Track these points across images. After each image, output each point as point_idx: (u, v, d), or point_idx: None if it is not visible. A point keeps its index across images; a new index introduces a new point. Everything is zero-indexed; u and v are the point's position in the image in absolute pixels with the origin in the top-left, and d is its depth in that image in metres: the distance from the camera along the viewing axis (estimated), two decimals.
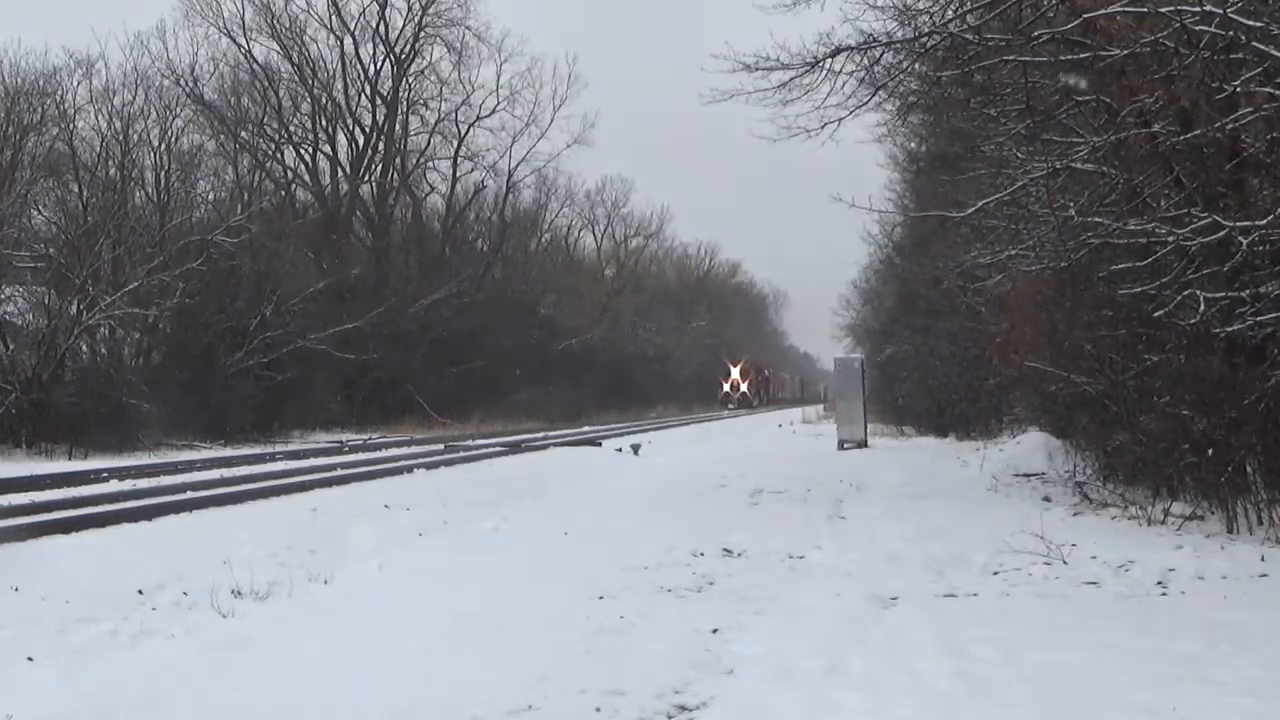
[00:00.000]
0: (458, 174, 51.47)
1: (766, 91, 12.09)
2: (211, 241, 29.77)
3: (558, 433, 34.91)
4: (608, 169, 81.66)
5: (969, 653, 5.86)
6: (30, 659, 6.08)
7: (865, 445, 25.82)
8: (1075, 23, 9.75)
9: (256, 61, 44.46)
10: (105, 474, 17.51)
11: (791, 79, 11.92)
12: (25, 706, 5.24)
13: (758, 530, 10.90)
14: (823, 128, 12.38)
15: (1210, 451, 9.92)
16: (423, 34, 47.82)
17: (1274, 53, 8.55)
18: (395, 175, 49.26)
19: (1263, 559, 8.27)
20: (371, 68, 48.28)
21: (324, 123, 46.93)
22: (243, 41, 44.13)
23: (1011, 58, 10.19)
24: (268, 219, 37.68)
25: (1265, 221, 8.86)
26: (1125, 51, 9.54)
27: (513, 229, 56.61)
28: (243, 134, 42.10)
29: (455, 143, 50.41)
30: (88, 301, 25.51)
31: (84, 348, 27.27)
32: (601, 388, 56.75)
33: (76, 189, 30.88)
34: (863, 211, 23.45)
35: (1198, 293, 9.28)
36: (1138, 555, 8.47)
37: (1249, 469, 9.84)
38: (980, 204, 12.38)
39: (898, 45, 11.62)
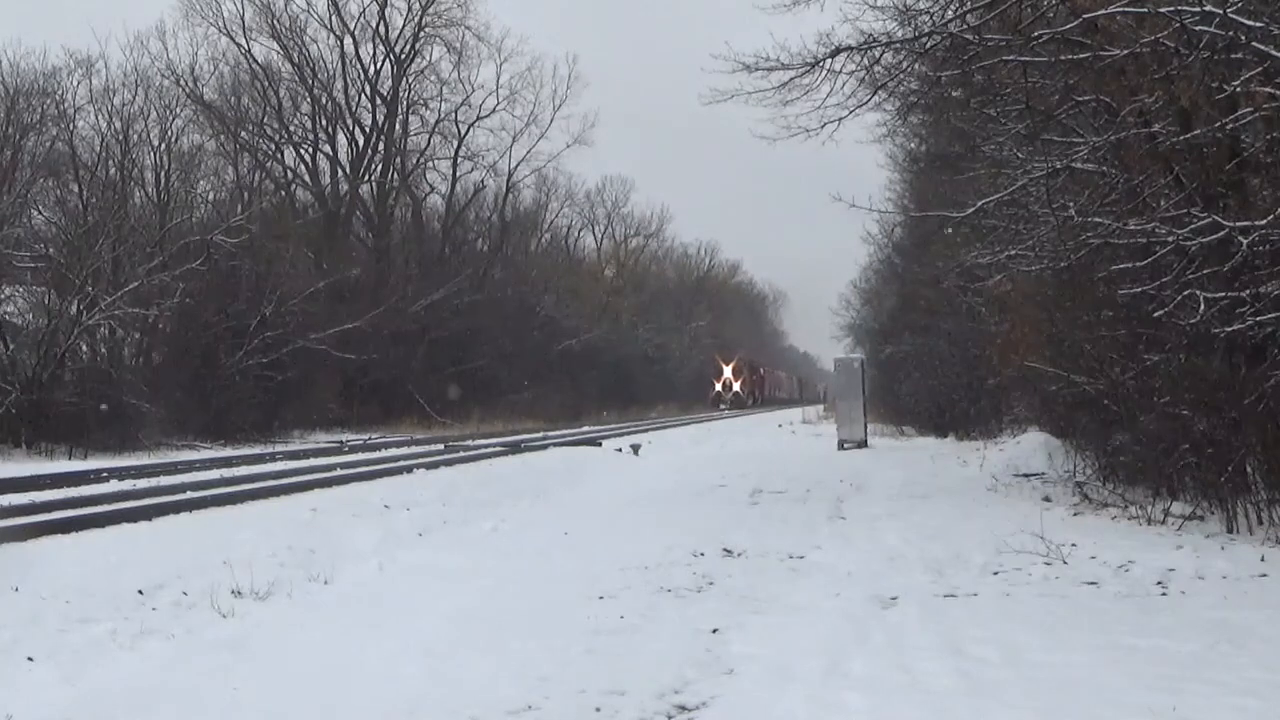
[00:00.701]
0: (458, 174, 51.59)
1: (766, 91, 12.12)
2: (211, 241, 29.78)
3: (558, 433, 34.91)
4: (608, 169, 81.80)
5: (969, 653, 5.86)
6: (30, 659, 6.08)
7: (865, 445, 25.82)
8: (1075, 23, 9.75)
9: (256, 61, 44.55)
10: (105, 474, 17.51)
11: (791, 79, 11.94)
12: (25, 706, 5.24)
13: (758, 530, 10.91)
14: (823, 128, 12.41)
15: (1210, 451, 9.92)
16: (423, 34, 47.91)
17: (1274, 53, 8.55)
18: (395, 175, 49.30)
19: (1263, 559, 8.27)
20: (371, 68, 48.38)
21: (324, 123, 47.02)
22: (243, 41, 44.23)
23: (1011, 58, 10.20)
24: (268, 219, 37.72)
25: (1265, 221, 8.86)
26: (1125, 51, 9.54)
27: (513, 229, 56.66)
28: (243, 134, 42.15)
29: (455, 143, 50.52)
30: (88, 301, 25.51)
31: (84, 348, 27.28)
32: (601, 388, 56.77)
33: (76, 189, 30.89)
34: (863, 211, 23.41)
35: (1198, 293, 9.28)
36: (1138, 555, 8.47)
37: (1249, 469, 9.84)
38: (980, 204, 12.38)
39: (898, 45, 11.63)
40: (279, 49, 45.35)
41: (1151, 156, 10.39)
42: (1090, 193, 11.54)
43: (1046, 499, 12.70)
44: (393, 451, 25.96)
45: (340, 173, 47.70)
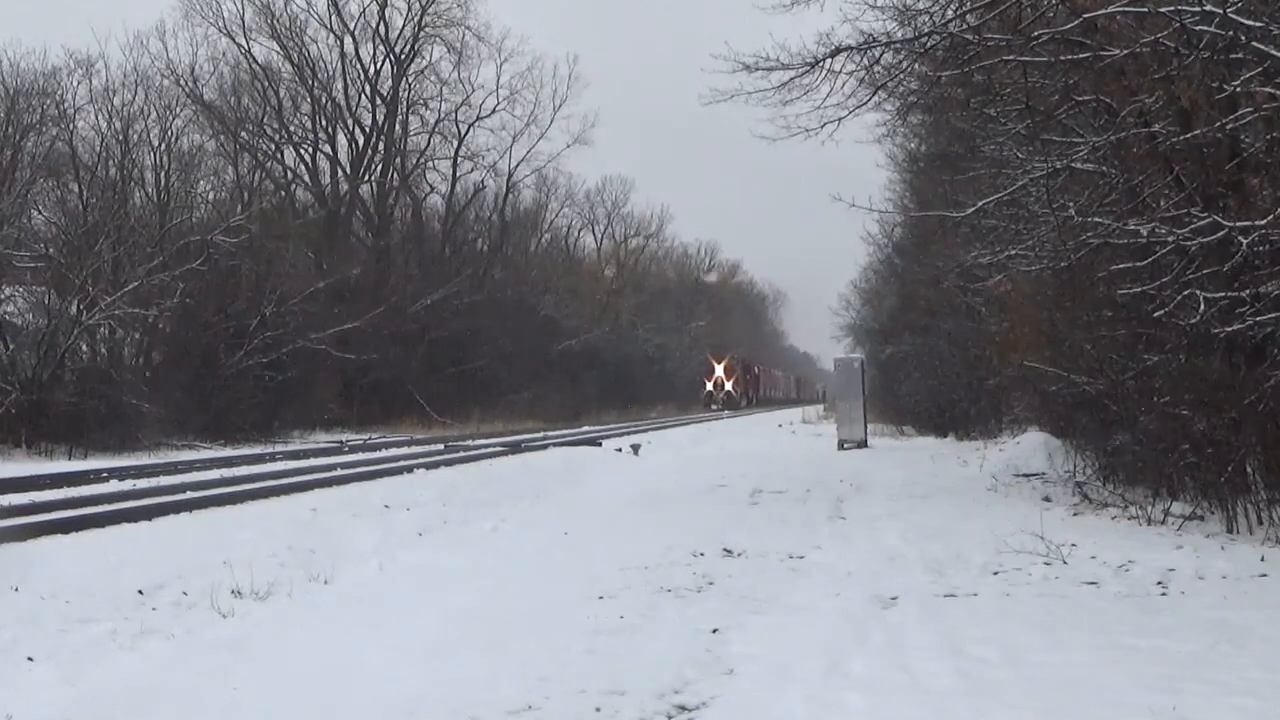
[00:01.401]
0: (458, 174, 51.64)
1: (766, 92, 12.11)
2: (211, 241, 29.78)
3: (558, 433, 34.90)
4: (608, 169, 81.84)
5: (969, 653, 5.86)
6: (30, 659, 6.08)
7: (865, 445, 25.82)
8: (1075, 23, 9.75)
9: (256, 61, 44.58)
10: (105, 474, 17.52)
11: (791, 79, 11.93)
12: (25, 706, 5.24)
13: (758, 530, 10.91)
14: (823, 128, 12.40)
15: (1210, 451, 9.91)
16: (423, 34, 47.94)
17: (1274, 53, 8.55)
18: (395, 175, 49.33)
19: (1263, 559, 8.27)
20: (371, 68, 48.42)
21: (324, 123, 47.05)
22: (243, 41, 44.27)
23: (1011, 58, 10.19)
24: (268, 219, 37.71)
25: (1265, 221, 8.86)
26: (1125, 51, 9.54)
27: (513, 229, 56.69)
28: (243, 134, 42.16)
29: (455, 143, 50.57)
30: (88, 301, 25.52)
31: (84, 348, 27.30)
32: (601, 388, 56.77)
33: (76, 189, 30.90)
34: (863, 211, 23.36)
35: (1198, 293, 9.28)
36: (1138, 555, 8.47)
37: (1249, 469, 9.84)
38: (980, 204, 12.38)
39: (898, 45, 11.62)
40: (279, 49, 45.44)
41: (1151, 156, 10.39)
42: (1090, 193, 11.54)
43: (1046, 499, 12.70)
44: (393, 451, 25.96)
45: (340, 173, 47.76)
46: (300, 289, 34.07)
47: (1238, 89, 9.05)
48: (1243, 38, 8.50)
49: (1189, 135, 9.68)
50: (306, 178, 47.01)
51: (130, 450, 24.62)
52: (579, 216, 69.81)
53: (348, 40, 47.39)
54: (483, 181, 53.04)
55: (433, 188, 52.34)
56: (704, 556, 9.38)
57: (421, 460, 21.36)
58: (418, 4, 47.35)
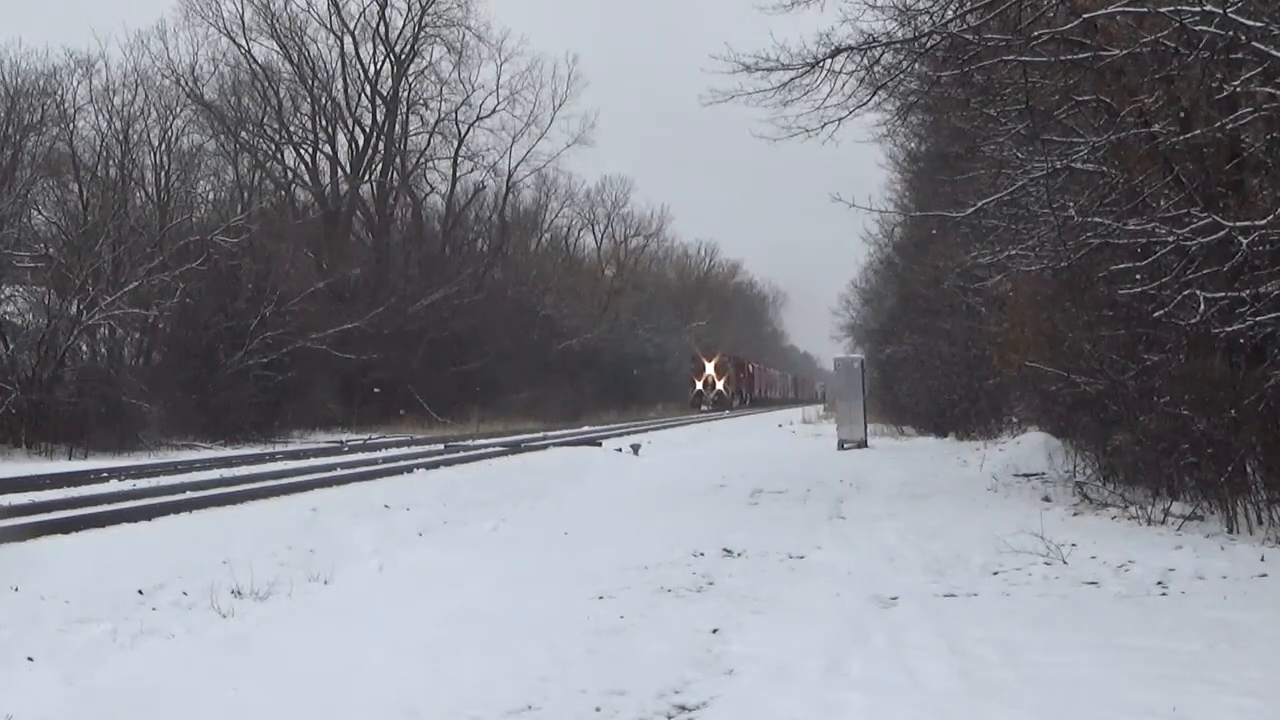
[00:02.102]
0: (458, 174, 51.61)
1: (766, 92, 12.11)
2: (211, 241, 29.78)
3: (557, 433, 34.90)
4: (608, 169, 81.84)
5: (969, 653, 5.86)
6: (30, 659, 6.07)
7: (865, 445, 25.82)
8: (1075, 23, 9.75)
9: (256, 61, 44.57)
10: (105, 474, 17.51)
11: (791, 79, 11.93)
12: (25, 706, 5.24)
13: (758, 530, 10.91)
14: (823, 128, 12.40)
15: (1210, 451, 9.91)
16: (423, 34, 47.93)
17: (1274, 53, 8.55)
18: (395, 175, 49.32)
19: (1263, 559, 8.27)
20: (371, 68, 48.40)
21: (324, 123, 47.04)
22: (243, 41, 44.26)
23: (1011, 58, 10.19)
24: (268, 219, 37.73)
25: (1265, 221, 8.86)
26: (1125, 51, 9.54)
27: (513, 229, 56.67)
28: (243, 134, 42.17)
29: (455, 143, 50.55)
30: (88, 301, 25.52)
31: (84, 348, 27.29)
32: (601, 388, 56.75)
33: (76, 189, 30.94)
34: (863, 211, 23.46)
35: (1198, 293, 9.28)
36: (1138, 555, 8.47)
37: (1249, 469, 9.84)
38: (980, 204, 12.37)
39: (897, 45, 11.62)
40: (279, 49, 45.42)
41: (1151, 156, 10.39)
42: (1090, 193, 11.54)
43: (1046, 499, 12.70)
44: (393, 451, 25.95)
45: (340, 173, 47.76)
46: (300, 289, 34.07)
47: (1238, 89, 9.06)
48: (1243, 38, 8.50)
49: (1189, 135, 9.68)
50: (306, 178, 47.06)
51: (130, 450, 24.62)
52: (579, 216, 69.86)
53: (348, 40, 47.43)
54: (483, 181, 53.10)
55: (433, 188, 52.42)
56: (704, 556, 9.38)
57: (421, 460, 21.35)
58: (418, 4, 47.39)
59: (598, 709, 5.12)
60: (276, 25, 45.13)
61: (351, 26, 47.34)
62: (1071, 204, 11.25)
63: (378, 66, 48.24)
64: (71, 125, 32.57)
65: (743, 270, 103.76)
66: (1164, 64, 9.64)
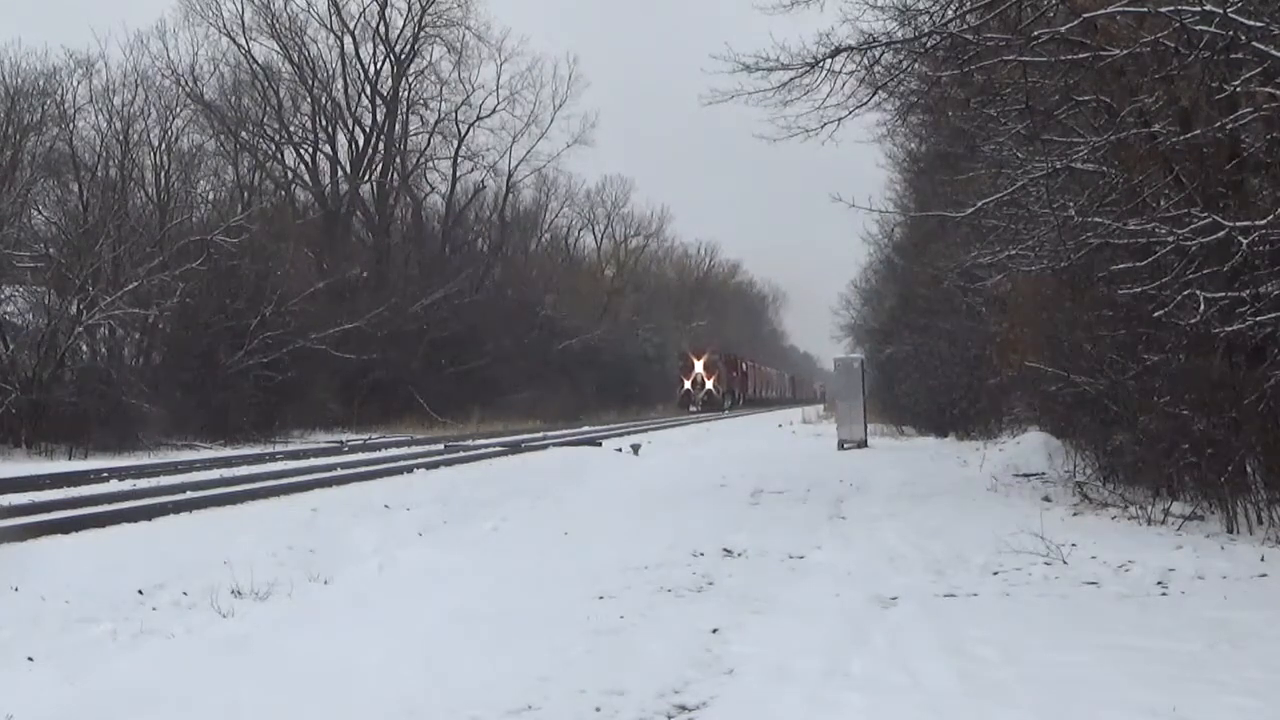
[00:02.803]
0: (458, 174, 51.68)
1: (766, 92, 12.10)
2: (211, 241, 29.78)
3: (558, 433, 34.90)
4: (608, 169, 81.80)
5: (969, 653, 5.86)
6: (30, 659, 6.08)
7: (865, 445, 25.82)
8: (1075, 23, 9.74)
9: (256, 61, 44.61)
10: (105, 474, 17.51)
11: (791, 79, 11.92)
12: (25, 706, 5.24)
13: (758, 530, 10.91)
14: (823, 128, 12.40)
15: (1210, 451, 9.91)
16: (423, 34, 48.00)
17: (1274, 53, 8.55)
18: (395, 175, 49.35)
19: (1263, 559, 8.27)
20: (371, 68, 48.45)
21: (324, 123, 47.08)
22: (243, 41, 44.31)
23: (1011, 58, 10.19)
24: (268, 219, 37.71)
25: (1265, 221, 8.85)
26: (1125, 51, 9.53)
27: (513, 229, 56.71)
28: (243, 134, 42.19)
29: (455, 143, 50.62)
30: (88, 301, 25.52)
31: (84, 348, 27.29)
32: (601, 388, 56.77)
33: (76, 189, 30.93)
34: (863, 211, 23.41)
35: (1198, 293, 9.27)
36: (1138, 555, 8.47)
37: (1249, 469, 9.83)
38: (980, 204, 12.37)
39: (898, 45, 11.62)
40: (279, 49, 45.47)
41: (1151, 156, 10.38)
42: (1090, 193, 11.53)
43: (1046, 499, 12.69)
44: (393, 451, 25.95)
45: (340, 173, 47.79)
46: (300, 289, 34.08)
47: (1238, 89, 9.05)
48: (1243, 38, 8.50)
49: (1189, 135, 9.67)
50: (306, 178, 47.09)
51: (130, 450, 24.62)
52: (579, 216, 69.89)
53: (348, 40, 47.49)
54: (483, 181, 53.17)
55: (433, 188, 52.48)
56: (704, 556, 9.38)
57: (421, 460, 21.35)
58: (418, 4, 47.46)
59: (598, 709, 5.12)
60: (276, 25, 45.22)
61: (351, 26, 47.45)
62: (1071, 204, 11.25)
63: (378, 66, 48.36)
64: (71, 125, 32.61)
65: (742, 270, 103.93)
66: (1164, 64, 9.64)
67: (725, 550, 9.69)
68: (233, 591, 7.73)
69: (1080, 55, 9.96)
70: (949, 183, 16.93)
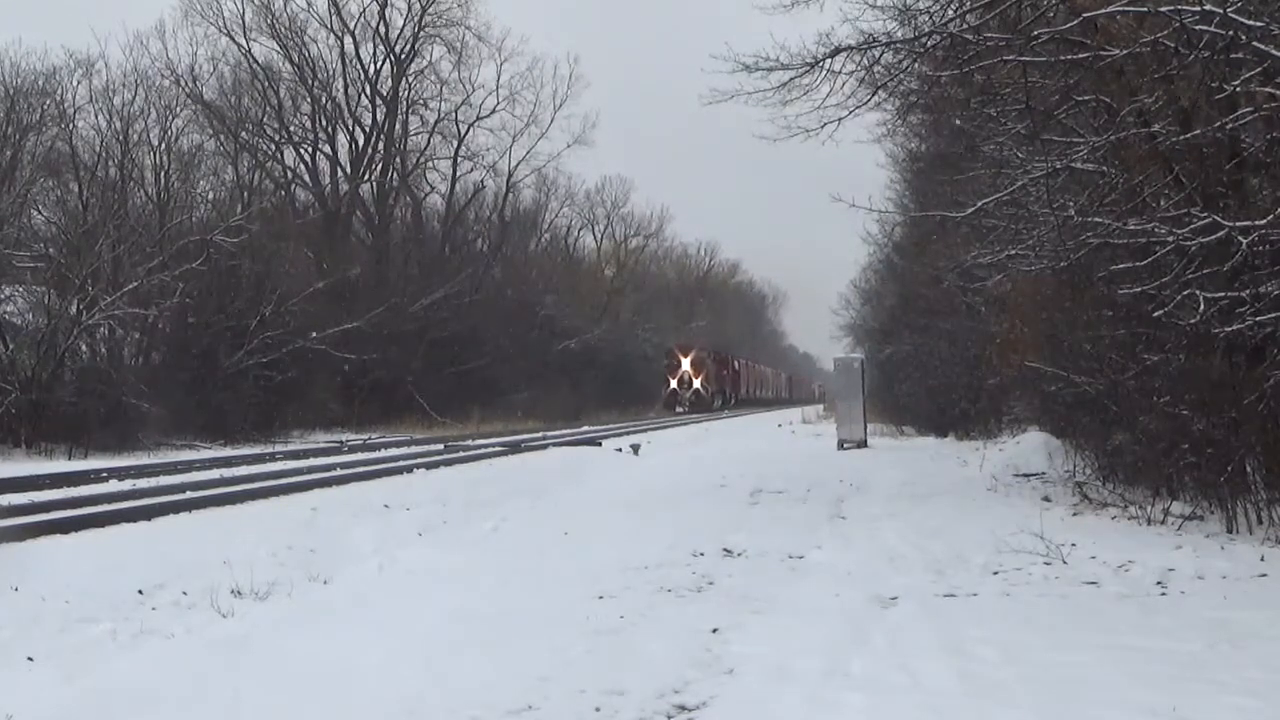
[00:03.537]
0: (458, 174, 51.67)
1: (766, 92, 12.11)
2: (211, 241, 29.78)
3: (557, 433, 34.90)
4: (608, 169, 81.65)
5: (969, 653, 5.86)
6: (30, 659, 6.08)
7: (865, 445, 25.82)
8: (1075, 22, 9.74)
9: (256, 61, 44.60)
10: (105, 474, 17.50)
11: (791, 79, 11.93)
12: (25, 706, 5.24)
13: (758, 530, 10.91)
14: (822, 128, 12.40)
15: (1210, 451, 9.91)
16: (423, 34, 47.98)
17: (1274, 52, 8.55)
18: (395, 175, 49.34)
19: (1263, 559, 8.27)
20: (371, 67, 48.44)
21: (324, 122, 47.06)
22: (242, 41, 44.30)
23: (1011, 57, 10.18)
24: (268, 219, 37.71)
25: (1265, 221, 8.85)
26: (1125, 51, 9.53)
27: (513, 229, 56.70)
28: (243, 134, 42.15)
29: (455, 143, 50.60)
30: (88, 301, 25.52)
31: (84, 348, 27.27)
32: (601, 388, 56.73)
33: (76, 189, 30.93)
34: (863, 211, 23.34)
35: (1198, 293, 9.27)
36: (1138, 555, 8.47)
37: (1249, 469, 9.83)
38: (980, 204, 12.37)
39: (897, 45, 11.62)
40: (279, 49, 45.47)
41: (1151, 156, 10.38)
42: (1090, 193, 11.53)
43: (1046, 499, 12.69)
44: (393, 451, 25.95)
45: (340, 172, 47.78)
46: (300, 289, 34.07)
47: (1238, 89, 9.05)
48: (1243, 37, 8.50)
49: (1189, 135, 9.67)
50: (306, 178, 47.09)
51: (130, 450, 24.61)
52: (579, 216, 69.87)
53: (348, 40, 47.46)
54: (482, 181, 53.16)
55: (433, 188, 52.46)
56: (704, 556, 9.38)
57: (421, 460, 21.35)
58: (418, 4, 47.44)
59: (598, 709, 5.11)
60: (276, 25, 45.21)
61: (351, 26, 47.43)
62: (1071, 204, 11.25)
63: (378, 66, 48.34)
64: (71, 125, 32.62)
65: (742, 270, 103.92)
66: (1164, 64, 9.64)
67: (725, 550, 9.69)
68: (233, 591, 7.73)
69: (1080, 55, 9.96)
70: (949, 183, 16.93)
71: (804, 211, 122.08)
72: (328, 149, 47.34)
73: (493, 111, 50.62)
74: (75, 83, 33.50)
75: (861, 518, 11.94)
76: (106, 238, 26.82)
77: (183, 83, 39.81)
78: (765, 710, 5.05)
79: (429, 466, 19.65)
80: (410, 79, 48.55)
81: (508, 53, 51.59)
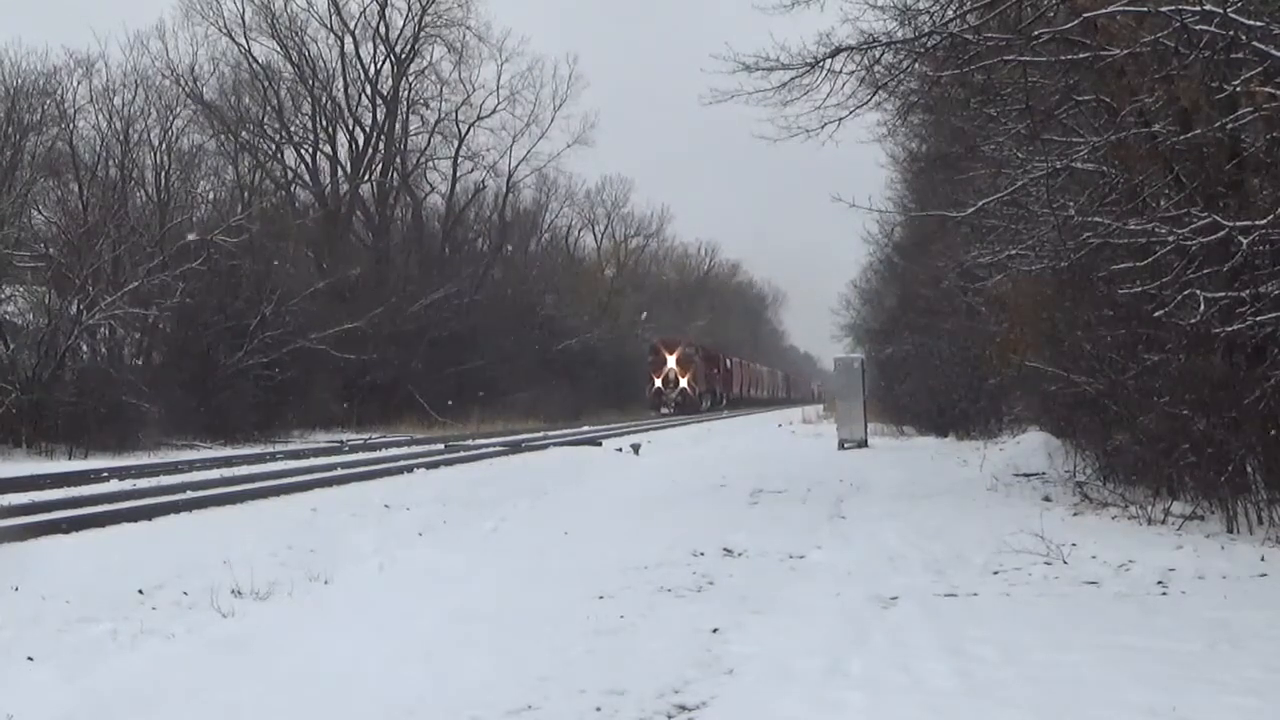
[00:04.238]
0: (458, 174, 51.63)
1: (766, 92, 12.11)
2: (211, 241, 29.78)
3: (558, 433, 34.90)
4: (608, 169, 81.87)
5: (969, 653, 5.86)
6: (30, 659, 6.07)
7: (865, 445, 25.81)
8: (1075, 22, 9.74)
9: (256, 61, 44.56)
10: (105, 474, 17.51)
11: (791, 79, 11.93)
12: (25, 706, 5.24)
13: (758, 530, 10.90)
14: (823, 128, 12.40)
15: (1210, 451, 9.91)
16: (423, 34, 47.94)
17: (1274, 52, 8.55)
18: (395, 175, 49.32)
19: (1263, 559, 8.27)
20: (371, 67, 48.40)
21: (324, 122, 47.01)
22: (243, 41, 44.25)
23: (1011, 57, 10.19)
24: (268, 219, 37.70)
25: (1265, 221, 8.85)
26: (1125, 51, 9.53)
27: (513, 229, 56.66)
28: (243, 134, 42.12)
29: (455, 143, 50.57)
30: (88, 301, 25.52)
31: (84, 348, 27.28)
32: (601, 388, 56.70)
33: (76, 189, 30.92)
34: (863, 211, 23.38)
35: (1198, 292, 9.27)
36: (1138, 555, 8.47)
37: (1249, 469, 9.83)
38: (980, 204, 12.37)
39: (898, 45, 11.62)
40: (279, 49, 45.41)
41: (1151, 156, 10.37)
42: (1090, 192, 11.53)
43: (1046, 499, 12.69)
44: (393, 451, 25.95)
45: (340, 172, 47.74)
46: (300, 289, 34.07)
47: (1238, 89, 9.05)
48: (1243, 37, 8.50)
49: (1189, 135, 9.67)
50: (306, 178, 47.05)
51: (130, 450, 24.61)
52: (579, 216, 69.84)
53: (348, 40, 47.42)
54: (483, 181, 53.12)
55: (433, 187, 52.45)
56: (704, 556, 9.38)
57: (421, 460, 21.35)
58: (418, 4, 47.40)
59: (598, 709, 5.11)
60: (276, 25, 45.16)
61: (351, 26, 47.39)
62: (1071, 204, 11.25)
63: (378, 66, 48.30)
64: (71, 125, 32.57)
65: (743, 270, 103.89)
66: (1164, 63, 9.64)
67: (725, 550, 9.68)
68: (233, 591, 7.73)
69: (1080, 55, 9.97)
70: (949, 182, 16.95)
71: (804, 211, 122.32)
72: (328, 149, 47.38)
73: (493, 111, 50.67)
74: (75, 83, 33.50)
75: (862, 517, 11.94)
76: (107, 238, 26.83)
77: (183, 83, 39.81)
78: (765, 710, 5.05)
79: (429, 466, 19.65)
80: (410, 79, 48.58)
81: (508, 53, 51.75)
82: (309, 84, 46.06)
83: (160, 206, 32.97)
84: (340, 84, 47.42)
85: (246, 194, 40.06)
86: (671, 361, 59.98)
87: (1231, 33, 8.48)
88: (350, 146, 47.97)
